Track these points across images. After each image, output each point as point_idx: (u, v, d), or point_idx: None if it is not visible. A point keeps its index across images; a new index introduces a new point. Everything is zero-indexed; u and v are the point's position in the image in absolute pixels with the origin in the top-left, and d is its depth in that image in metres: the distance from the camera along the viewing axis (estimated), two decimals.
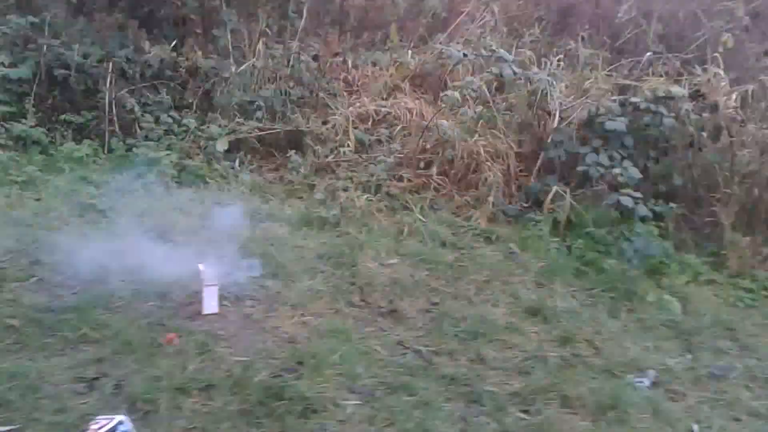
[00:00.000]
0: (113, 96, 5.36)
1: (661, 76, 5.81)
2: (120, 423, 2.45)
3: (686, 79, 5.63)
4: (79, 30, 5.80)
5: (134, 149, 5.17)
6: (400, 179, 5.21)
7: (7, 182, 4.53)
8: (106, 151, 5.23)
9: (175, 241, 3.93)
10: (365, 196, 4.87)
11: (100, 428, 2.40)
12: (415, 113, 5.84)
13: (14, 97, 5.29)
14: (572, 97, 5.49)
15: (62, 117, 5.30)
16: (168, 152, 5.16)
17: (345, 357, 3.08)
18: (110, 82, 5.37)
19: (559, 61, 5.74)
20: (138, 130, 5.38)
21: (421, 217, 4.79)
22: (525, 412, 2.90)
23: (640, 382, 3.23)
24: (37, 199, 4.41)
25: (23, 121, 5.12)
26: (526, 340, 3.49)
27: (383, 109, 5.89)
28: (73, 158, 4.95)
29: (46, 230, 3.98)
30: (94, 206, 4.35)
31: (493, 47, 5.65)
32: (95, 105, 5.42)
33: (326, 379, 2.91)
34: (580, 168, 4.95)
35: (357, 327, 3.45)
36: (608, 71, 6.06)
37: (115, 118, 5.34)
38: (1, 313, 3.13)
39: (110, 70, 5.39)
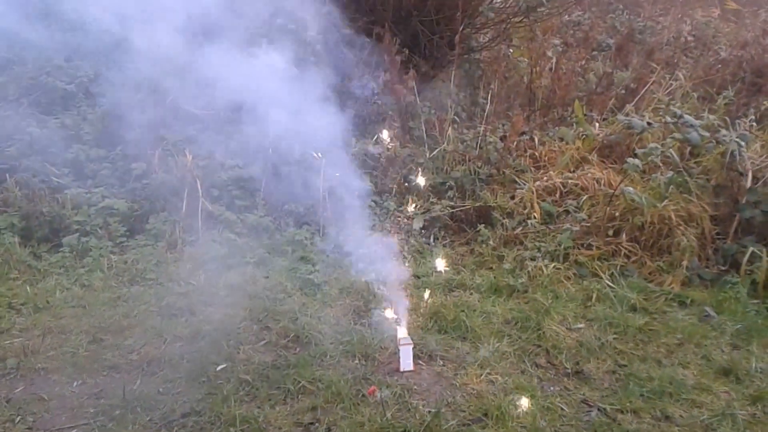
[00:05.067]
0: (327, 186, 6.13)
1: None
2: None
3: None
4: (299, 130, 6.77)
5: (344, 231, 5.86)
6: (589, 247, 5.32)
7: (243, 263, 5.38)
8: (321, 234, 5.98)
9: (377, 307, 4.43)
10: (553, 265, 5.05)
11: None
12: (602, 183, 5.96)
13: (247, 193, 6.25)
14: (766, 155, 5.29)
15: (285, 207, 6.16)
16: (371, 232, 5.79)
17: (529, 411, 3.29)
18: (322, 175, 6.16)
19: (751, 121, 5.57)
20: None
21: (610, 283, 4.86)
22: None
23: None
24: (266, 277, 5.16)
25: (255, 212, 6.05)
26: (715, 399, 3.44)
27: (570, 181, 6.07)
28: (294, 241, 5.73)
29: (273, 302, 4.70)
30: (311, 281, 5.03)
31: (679, 113, 5.65)
32: (311, 195, 6.23)
33: (510, 430, 3.14)
34: None
35: (542, 386, 3.63)
36: None
37: (328, 206, 6.10)
38: (237, 369, 3.76)
39: (323, 164, 6.19)
